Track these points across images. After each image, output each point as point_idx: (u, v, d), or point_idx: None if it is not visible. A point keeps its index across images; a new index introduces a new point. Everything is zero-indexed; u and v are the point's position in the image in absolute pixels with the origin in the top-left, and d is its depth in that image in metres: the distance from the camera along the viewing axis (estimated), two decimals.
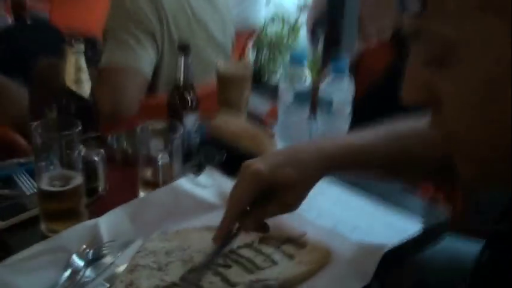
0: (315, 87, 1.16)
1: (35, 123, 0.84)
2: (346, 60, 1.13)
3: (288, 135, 1.19)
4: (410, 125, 0.84)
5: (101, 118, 1.00)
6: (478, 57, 0.46)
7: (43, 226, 0.88)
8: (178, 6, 1.41)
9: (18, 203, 0.94)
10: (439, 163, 0.75)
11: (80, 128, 0.83)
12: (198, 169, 1.07)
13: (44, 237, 0.87)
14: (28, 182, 1.00)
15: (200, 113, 1.13)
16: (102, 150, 0.87)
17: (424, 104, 0.53)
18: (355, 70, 1.96)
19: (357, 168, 0.83)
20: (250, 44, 1.62)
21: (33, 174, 1.01)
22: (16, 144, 1.49)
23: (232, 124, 1.20)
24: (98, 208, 0.91)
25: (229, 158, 1.12)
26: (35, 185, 0.97)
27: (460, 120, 0.50)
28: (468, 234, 1.12)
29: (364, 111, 1.20)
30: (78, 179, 0.86)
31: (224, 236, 0.79)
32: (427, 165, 0.85)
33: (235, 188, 0.77)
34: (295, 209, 0.80)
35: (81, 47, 0.92)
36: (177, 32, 1.39)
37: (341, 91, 1.11)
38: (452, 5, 0.46)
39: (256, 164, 0.76)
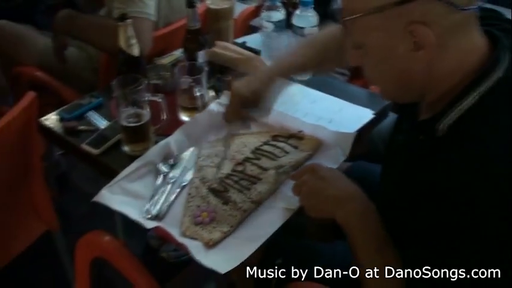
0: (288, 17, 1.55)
1: (115, 80, 1.22)
2: None
3: (271, 56, 1.59)
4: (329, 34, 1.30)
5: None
6: (373, 50, 0.89)
7: (126, 148, 1.30)
8: None
9: (100, 134, 1.34)
10: None
11: (142, 84, 1.22)
12: (215, 90, 1.48)
13: (129, 156, 1.29)
14: (98, 118, 1.39)
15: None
16: (162, 94, 1.27)
17: (357, 65, 0.97)
18: None
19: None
20: None
21: (101, 110, 1.41)
22: (41, 79, 1.86)
23: (229, 50, 1.59)
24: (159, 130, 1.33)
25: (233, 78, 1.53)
26: (104, 121, 1.37)
27: (374, 77, 0.95)
28: None
29: None
30: (147, 116, 1.26)
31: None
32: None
33: (231, 106, 1.29)
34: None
35: (129, 21, 1.27)
36: None
37: (308, 19, 1.51)
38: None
39: (242, 90, 1.28)
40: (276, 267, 1.24)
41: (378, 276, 0.97)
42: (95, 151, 1.30)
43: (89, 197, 2.54)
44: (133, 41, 1.30)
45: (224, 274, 1.02)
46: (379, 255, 0.97)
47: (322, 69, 1.42)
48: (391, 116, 1.54)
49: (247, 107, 1.32)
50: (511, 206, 0.81)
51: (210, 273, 1.63)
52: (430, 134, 0.89)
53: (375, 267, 0.98)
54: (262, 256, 1.27)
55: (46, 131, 1.41)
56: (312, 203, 1.05)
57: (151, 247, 2.04)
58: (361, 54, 0.91)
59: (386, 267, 0.96)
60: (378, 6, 0.84)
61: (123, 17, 1.27)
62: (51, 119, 1.42)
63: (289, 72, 1.33)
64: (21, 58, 1.91)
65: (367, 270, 0.98)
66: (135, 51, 1.31)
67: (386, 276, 0.96)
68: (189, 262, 1.94)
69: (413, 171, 0.92)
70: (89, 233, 1.27)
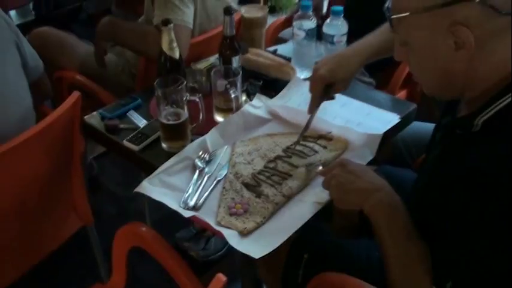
0: (319, 26, 1.63)
1: (157, 80, 1.30)
2: (340, 8, 1.58)
3: (301, 63, 1.67)
4: None
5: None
6: (418, 48, 0.95)
7: (164, 145, 1.38)
8: None
9: (140, 132, 1.42)
10: None
11: (182, 84, 1.30)
12: (247, 94, 1.56)
13: (167, 152, 1.37)
14: (138, 117, 1.48)
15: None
16: (200, 95, 1.35)
17: (404, 61, 1.03)
18: None
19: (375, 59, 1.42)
20: None
21: (140, 110, 1.49)
22: (81, 82, 1.96)
23: (261, 57, 1.66)
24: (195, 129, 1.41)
25: (264, 83, 1.61)
26: (143, 120, 1.46)
27: (418, 73, 1.01)
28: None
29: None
30: (185, 115, 1.34)
31: (315, 107, 1.37)
32: None
33: (312, 83, 1.35)
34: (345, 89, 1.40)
35: (171, 26, 1.36)
36: None
37: (338, 28, 1.58)
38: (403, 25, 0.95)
39: (321, 71, 1.34)
40: (303, 262, 1.30)
41: (403, 266, 1.02)
42: (135, 147, 1.38)
43: (118, 199, 2.63)
44: (175, 44, 1.39)
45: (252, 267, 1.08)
46: (405, 245, 1.02)
47: None
48: (415, 123, 1.60)
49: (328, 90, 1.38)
50: None
51: (237, 273, 1.69)
52: (467, 129, 0.95)
53: (401, 257, 1.03)
54: (290, 251, 1.34)
55: (89, 128, 1.50)
56: (340, 195, 1.11)
57: (179, 248, 2.11)
58: (407, 50, 0.98)
59: (413, 257, 1.01)
60: (425, 7, 0.90)
61: (166, 22, 1.36)
62: (94, 118, 1.51)
63: (371, 57, 1.39)
64: (63, 62, 2.02)
65: (393, 260, 1.04)
66: (177, 54, 1.39)
67: (412, 265, 1.01)
68: (217, 261, 2.03)
69: (447, 163, 0.98)
70: (127, 224, 1.34)
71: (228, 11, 1.50)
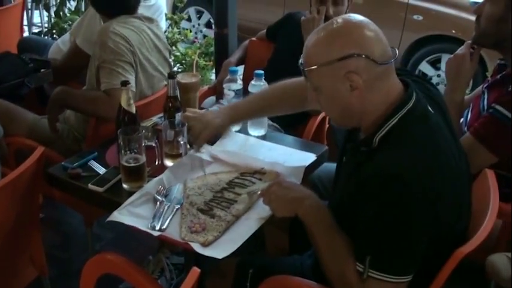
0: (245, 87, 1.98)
1: (119, 130, 1.56)
2: (261, 71, 1.96)
3: None
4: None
5: None
6: (325, 91, 1.32)
7: (125, 186, 1.61)
8: (140, 40, 2.13)
9: (101, 177, 1.66)
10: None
11: (141, 132, 1.58)
12: (189, 143, 1.85)
13: (127, 192, 1.60)
14: (98, 166, 1.71)
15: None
16: (156, 140, 1.62)
17: (316, 101, 1.38)
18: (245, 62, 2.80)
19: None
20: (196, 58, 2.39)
21: (97, 161, 1.73)
22: (30, 146, 2.16)
23: (197, 115, 1.97)
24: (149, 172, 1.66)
25: None
26: (102, 168, 1.69)
27: (326, 110, 1.37)
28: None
29: None
30: (143, 159, 1.60)
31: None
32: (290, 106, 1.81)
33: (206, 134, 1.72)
34: None
35: (130, 86, 1.65)
36: (142, 57, 2.12)
37: (260, 87, 1.94)
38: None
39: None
40: (249, 276, 1.56)
41: (332, 252, 1.33)
42: (100, 189, 1.61)
43: (57, 261, 2.76)
44: (132, 101, 1.67)
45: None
46: (332, 236, 1.34)
47: (279, 111, 1.85)
48: (326, 164, 1.95)
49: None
50: (423, 187, 1.20)
51: None
52: (368, 146, 1.30)
53: (330, 245, 1.34)
54: (236, 270, 1.60)
55: (53, 178, 1.71)
56: (279, 205, 1.42)
57: None
58: (317, 94, 1.33)
59: (339, 244, 1.32)
60: (327, 61, 1.27)
61: (125, 83, 1.64)
62: (57, 169, 1.72)
63: (252, 115, 1.79)
64: (11, 130, 2.20)
65: (324, 249, 1.34)
66: (133, 109, 1.67)
67: (339, 250, 1.31)
68: None
69: (355, 173, 1.31)
70: (96, 255, 1.55)
71: (171, 75, 1.81)
